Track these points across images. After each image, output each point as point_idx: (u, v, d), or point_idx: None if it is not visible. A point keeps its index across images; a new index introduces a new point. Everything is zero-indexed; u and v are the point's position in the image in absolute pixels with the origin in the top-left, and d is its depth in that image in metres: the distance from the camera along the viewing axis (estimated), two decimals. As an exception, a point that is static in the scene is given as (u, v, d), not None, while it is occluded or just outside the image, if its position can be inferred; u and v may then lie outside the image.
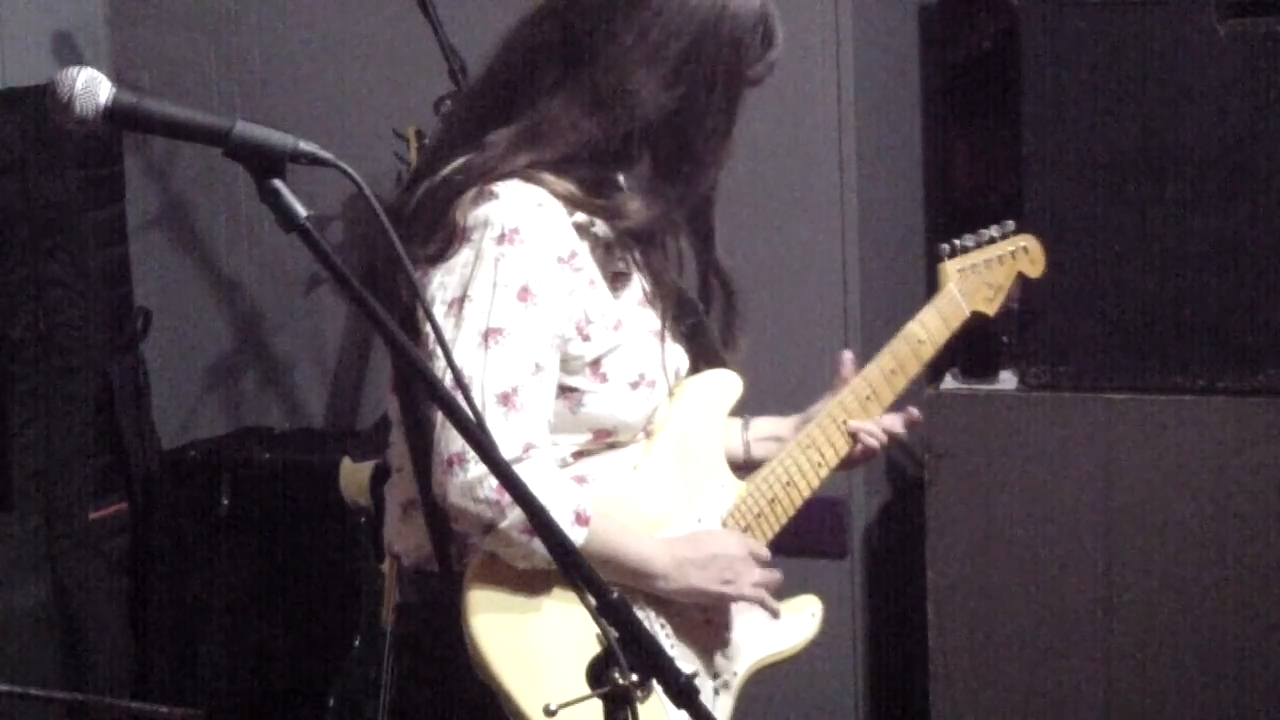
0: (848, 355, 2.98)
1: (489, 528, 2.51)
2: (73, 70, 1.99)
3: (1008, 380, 4.26)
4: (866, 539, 4.60)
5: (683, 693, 2.04)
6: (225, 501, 4.76)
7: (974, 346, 4.17)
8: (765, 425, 2.98)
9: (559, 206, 2.62)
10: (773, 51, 2.68)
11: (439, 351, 2.47)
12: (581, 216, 2.66)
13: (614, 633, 2.03)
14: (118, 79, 2.03)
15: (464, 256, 2.56)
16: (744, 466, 2.91)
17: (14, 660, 4.41)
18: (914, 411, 2.99)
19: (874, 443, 2.92)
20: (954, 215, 4.68)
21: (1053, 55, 4.07)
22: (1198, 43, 3.98)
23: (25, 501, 4.64)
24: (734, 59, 2.63)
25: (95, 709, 4.44)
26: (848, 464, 2.95)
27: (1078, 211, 4.08)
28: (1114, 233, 4.08)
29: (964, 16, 4.76)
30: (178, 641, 4.85)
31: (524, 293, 2.54)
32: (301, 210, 1.97)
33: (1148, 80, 4.03)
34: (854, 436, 2.91)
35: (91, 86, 1.98)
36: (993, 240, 3.12)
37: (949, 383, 4.28)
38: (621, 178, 2.71)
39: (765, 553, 2.78)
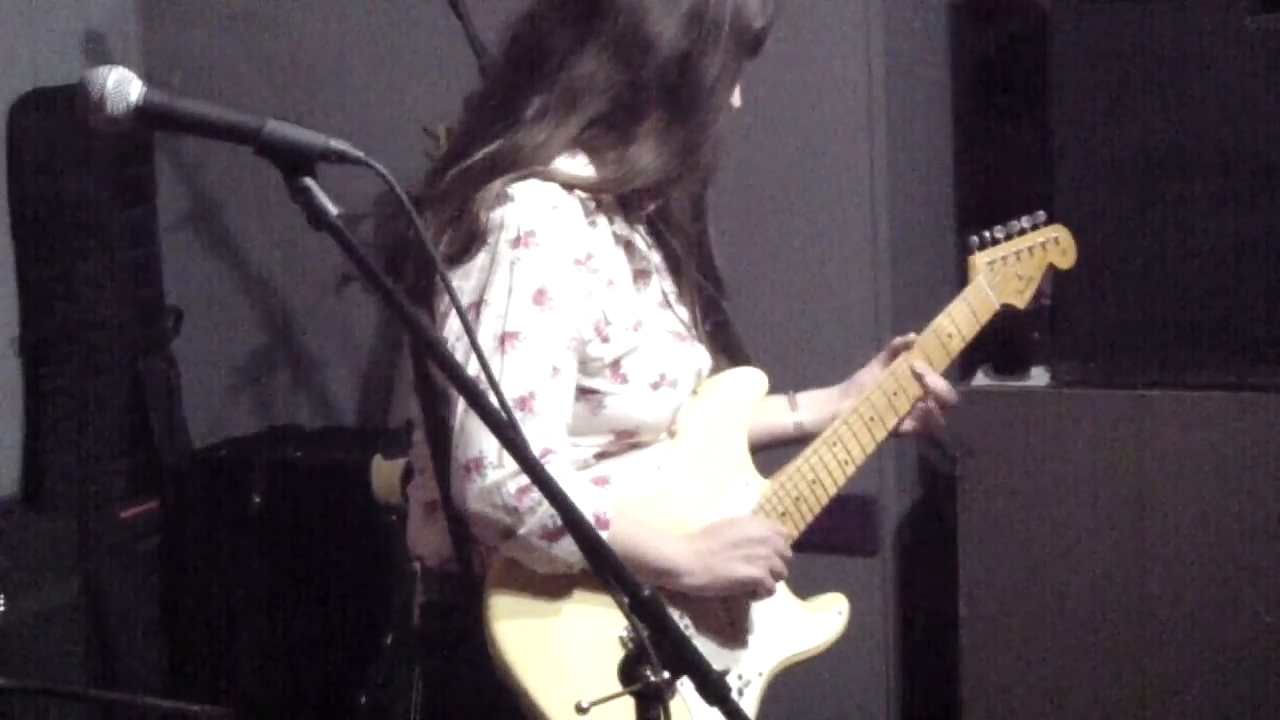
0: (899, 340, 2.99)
1: (508, 534, 2.50)
2: (103, 69, 1.99)
3: (1039, 377, 4.25)
4: (898, 536, 4.59)
5: (714, 690, 2.03)
6: (256, 500, 4.77)
7: (1005, 343, 4.16)
8: (813, 399, 2.98)
9: (575, 206, 2.62)
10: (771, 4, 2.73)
11: (457, 354, 2.47)
12: (600, 215, 2.66)
13: (645, 630, 2.03)
14: (148, 78, 2.03)
15: (480, 260, 2.56)
16: (797, 440, 2.92)
17: (45, 658, 4.42)
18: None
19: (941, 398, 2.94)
20: (984, 210, 4.67)
21: (1081, 51, 4.07)
22: (1226, 38, 3.97)
23: (57, 500, 4.66)
24: (739, 5, 2.68)
25: (125, 707, 4.45)
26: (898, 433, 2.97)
27: (1108, 207, 4.07)
28: (1144, 228, 4.07)
29: (993, 13, 4.76)
30: (208, 640, 4.86)
31: (540, 296, 2.54)
32: (332, 208, 1.97)
33: (1176, 76, 4.02)
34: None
35: (122, 85, 1.98)
36: (1023, 231, 3.11)
37: (980, 379, 4.28)
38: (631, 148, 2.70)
39: (783, 528, 2.78)
